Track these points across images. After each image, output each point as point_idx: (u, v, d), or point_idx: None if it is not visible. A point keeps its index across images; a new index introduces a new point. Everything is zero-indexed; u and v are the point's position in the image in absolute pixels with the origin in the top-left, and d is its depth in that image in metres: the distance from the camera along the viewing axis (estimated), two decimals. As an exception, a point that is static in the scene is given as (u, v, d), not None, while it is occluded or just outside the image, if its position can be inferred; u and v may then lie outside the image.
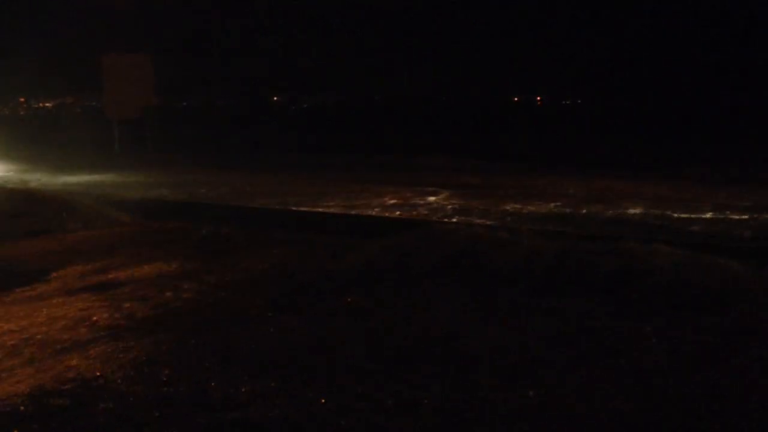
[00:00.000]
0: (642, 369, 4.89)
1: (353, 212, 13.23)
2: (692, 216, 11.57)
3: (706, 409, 4.27)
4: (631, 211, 12.16)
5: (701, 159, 19.85)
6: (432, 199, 14.33)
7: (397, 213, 12.91)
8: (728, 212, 11.78)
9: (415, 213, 12.77)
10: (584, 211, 12.25)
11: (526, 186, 15.84)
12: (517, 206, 13.00)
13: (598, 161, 21.40)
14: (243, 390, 4.57)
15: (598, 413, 4.21)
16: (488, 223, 11.38)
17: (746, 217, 11.41)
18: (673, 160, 20.34)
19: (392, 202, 14.18)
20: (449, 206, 13.33)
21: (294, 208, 14.14)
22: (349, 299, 6.67)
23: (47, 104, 73.72)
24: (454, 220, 11.98)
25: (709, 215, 11.64)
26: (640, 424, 4.10)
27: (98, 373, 4.85)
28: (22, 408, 4.33)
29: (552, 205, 13.03)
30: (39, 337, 5.72)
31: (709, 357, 5.13)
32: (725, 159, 19.52)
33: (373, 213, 13.09)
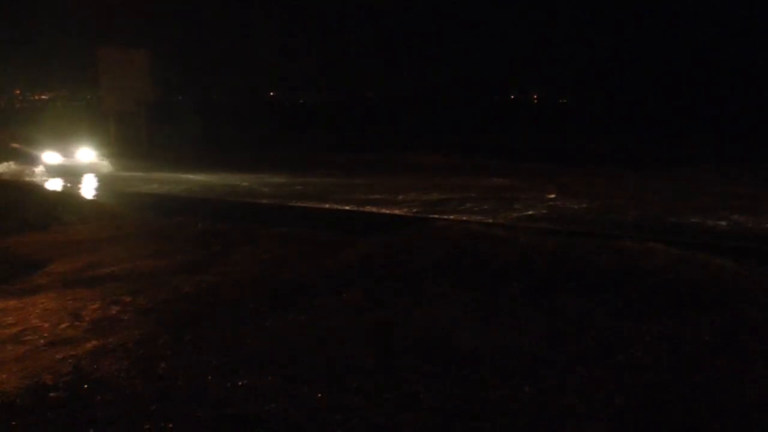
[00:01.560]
0: (642, 368, 4.87)
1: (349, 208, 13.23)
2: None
3: (706, 408, 4.27)
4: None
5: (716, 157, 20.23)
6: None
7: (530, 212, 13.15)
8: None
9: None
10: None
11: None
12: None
13: (600, 159, 21.75)
14: (241, 386, 4.54)
15: (599, 412, 4.19)
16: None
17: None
18: (676, 159, 20.61)
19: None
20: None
21: (292, 204, 14.12)
22: (347, 297, 6.64)
23: (43, 96, 73.53)
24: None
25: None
26: (640, 423, 4.08)
27: (95, 367, 4.82)
28: (19, 401, 4.30)
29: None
30: (35, 329, 5.68)
31: (708, 356, 5.12)
32: (728, 157, 19.91)
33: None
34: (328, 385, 4.52)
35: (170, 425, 3.98)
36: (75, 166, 21.23)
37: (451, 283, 7.05)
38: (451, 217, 12.27)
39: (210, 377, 4.65)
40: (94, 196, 14.14)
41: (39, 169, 20.61)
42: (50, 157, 20.90)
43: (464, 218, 12.04)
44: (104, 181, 19.82)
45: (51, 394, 4.39)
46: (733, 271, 7.46)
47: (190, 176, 21.03)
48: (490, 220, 11.60)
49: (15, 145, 21.58)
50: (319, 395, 4.39)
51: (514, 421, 4.06)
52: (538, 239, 8.59)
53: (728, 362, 4.99)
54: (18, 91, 69.46)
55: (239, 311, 6.20)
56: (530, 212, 13.39)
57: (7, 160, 21.19)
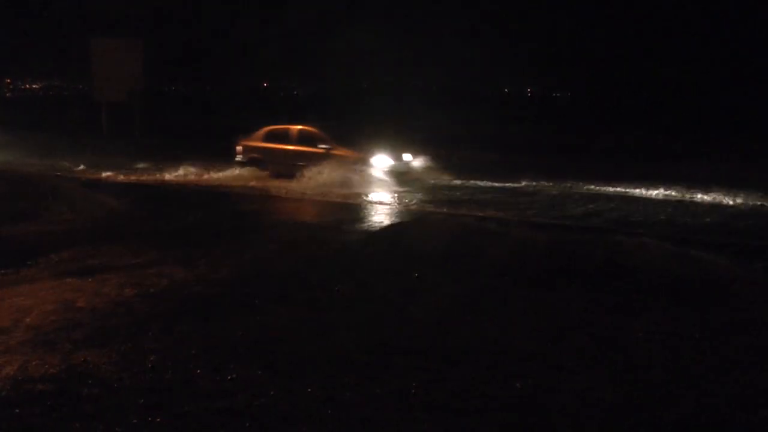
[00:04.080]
0: (634, 365, 4.87)
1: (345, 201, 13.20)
2: None
3: (696, 403, 4.27)
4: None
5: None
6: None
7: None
8: None
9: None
10: None
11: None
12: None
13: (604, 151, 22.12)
14: (230, 378, 4.51)
15: (591, 409, 4.18)
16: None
17: None
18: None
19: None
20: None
21: (282, 195, 14.06)
22: (337, 288, 6.61)
23: (34, 86, 73.15)
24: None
25: None
26: (630, 417, 4.07)
27: (83, 359, 4.78)
28: (4, 393, 4.25)
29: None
30: (23, 321, 5.62)
31: (699, 353, 5.13)
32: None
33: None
34: (319, 380, 4.50)
35: (158, 419, 3.95)
36: (412, 170, 15.92)
37: (443, 277, 7.03)
38: (446, 210, 12.25)
39: (199, 371, 4.62)
40: (86, 187, 13.79)
41: (376, 175, 15.21)
42: (381, 160, 15.49)
43: (459, 212, 12.02)
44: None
45: (37, 387, 4.34)
46: (725, 268, 7.49)
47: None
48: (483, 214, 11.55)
49: (324, 146, 15.70)
50: (310, 389, 4.36)
51: (506, 417, 4.04)
52: (531, 234, 8.58)
53: (719, 360, 5.01)
54: (9, 81, 69.04)
55: (229, 303, 6.17)
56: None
57: (322, 164, 15.41)
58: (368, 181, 14.98)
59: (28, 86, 72.27)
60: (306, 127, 16.44)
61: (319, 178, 15.06)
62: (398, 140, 16.65)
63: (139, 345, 5.09)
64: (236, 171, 16.56)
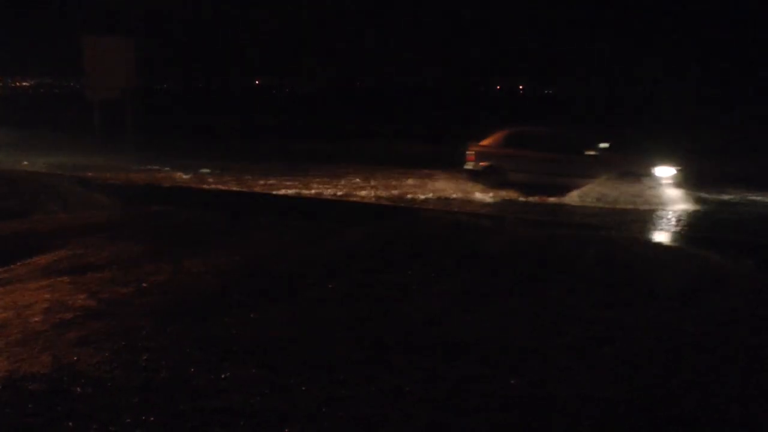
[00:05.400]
0: (629, 360, 4.86)
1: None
2: None
3: (691, 400, 4.26)
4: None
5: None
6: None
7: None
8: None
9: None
10: None
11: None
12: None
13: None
14: (224, 377, 4.47)
15: (586, 402, 4.17)
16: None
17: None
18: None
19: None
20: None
21: (280, 194, 14.02)
22: (332, 286, 6.58)
23: (25, 83, 72.93)
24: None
25: None
26: (627, 413, 4.06)
27: (75, 358, 4.73)
28: (-4, 393, 4.21)
29: None
30: (14, 320, 5.57)
31: (693, 349, 5.12)
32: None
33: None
34: (314, 377, 4.47)
35: (152, 418, 3.91)
36: (684, 181, 13.29)
37: (438, 274, 7.01)
38: (439, 207, 12.24)
39: (193, 369, 4.58)
40: (79, 186, 13.65)
41: (667, 190, 12.72)
42: (663, 171, 12.90)
43: (453, 209, 12.01)
44: None
45: (29, 386, 4.30)
46: (716, 264, 7.51)
47: None
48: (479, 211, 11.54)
49: (591, 153, 13.17)
50: (304, 386, 4.33)
51: (502, 414, 4.02)
52: (525, 230, 8.57)
53: (711, 355, 5.01)
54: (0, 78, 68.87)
55: (223, 301, 6.12)
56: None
57: (592, 175, 12.75)
58: (673, 199, 12.24)
59: (18, 84, 72.06)
60: (562, 129, 14.20)
61: (599, 194, 12.37)
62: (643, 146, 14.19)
63: (132, 343, 5.04)
64: (471, 184, 13.61)
